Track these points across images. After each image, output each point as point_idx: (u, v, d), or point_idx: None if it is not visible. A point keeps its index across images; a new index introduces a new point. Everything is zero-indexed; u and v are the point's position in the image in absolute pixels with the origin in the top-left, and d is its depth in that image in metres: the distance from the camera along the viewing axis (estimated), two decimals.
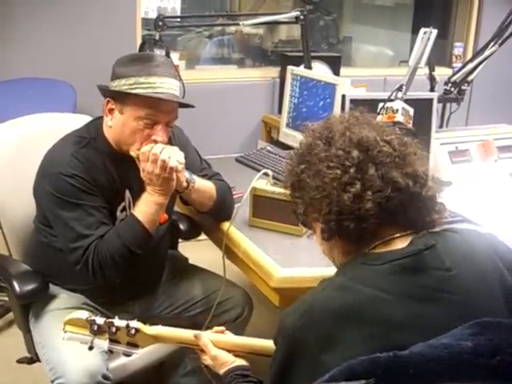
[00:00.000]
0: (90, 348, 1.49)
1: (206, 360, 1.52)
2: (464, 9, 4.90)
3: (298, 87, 2.96)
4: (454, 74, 2.99)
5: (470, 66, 2.91)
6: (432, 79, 3.03)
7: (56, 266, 2.00)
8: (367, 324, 1.10)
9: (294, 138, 2.80)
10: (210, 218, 2.16)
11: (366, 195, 1.18)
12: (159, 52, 3.08)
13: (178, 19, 4.10)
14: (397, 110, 2.13)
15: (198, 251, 2.56)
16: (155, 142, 1.86)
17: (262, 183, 2.03)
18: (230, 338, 1.55)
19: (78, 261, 1.85)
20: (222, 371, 1.47)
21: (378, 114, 2.12)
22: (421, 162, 1.28)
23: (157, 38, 3.16)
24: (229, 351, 1.50)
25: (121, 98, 1.88)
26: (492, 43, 2.82)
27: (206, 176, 2.11)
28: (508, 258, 1.22)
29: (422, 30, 2.42)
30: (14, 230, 2.14)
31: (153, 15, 3.90)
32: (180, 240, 2.47)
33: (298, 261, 1.88)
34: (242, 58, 4.98)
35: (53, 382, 1.85)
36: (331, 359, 1.08)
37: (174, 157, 1.84)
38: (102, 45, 3.56)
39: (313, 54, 3.78)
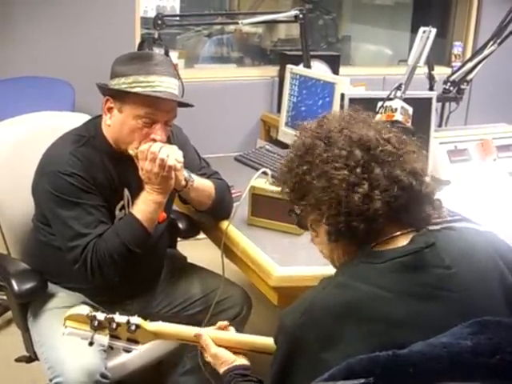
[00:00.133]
0: (91, 344, 1.48)
1: (207, 358, 1.52)
2: (463, 8, 4.91)
3: (297, 86, 2.96)
4: (453, 73, 2.99)
5: (469, 65, 2.91)
6: (431, 78, 3.03)
7: (54, 265, 2.00)
8: (367, 322, 1.10)
9: (292, 136, 2.79)
10: (208, 217, 2.16)
11: (375, 195, 1.18)
12: (158, 51, 3.08)
13: (177, 18, 4.08)
14: (396, 109, 2.13)
15: (197, 250, 2.56)
16: (154, 140, 1.86)
17: (261, 182, 2.03)
18: (231, 335, 1.55)
19: (76, 259, 1.85)
20: (221, 370, 1.47)
21: (377, 112, 2.12)
22: (419, 159, 1.28)
23: (156, 36, 3.16)
24: (230, 348, 1.50)
25: (120, 97, 1.88)
26: (491, 42, 2.81)
27: (204, 175, 2.11)
28: (508, 256, 1.22)
29: (421, 29, 2.42)
30: (13, 228, 2.14)
31: (152, 14, 3.89)
32: (179, 239, 2.47)
33: (297, 259, 1.87)
34: (241, 57, 4.98)
35: (51, 380, 1.85)
36: (332, 357, 1.08)
37: (173, 155, 1.84)
38: (101, 43, 3.56)
39: (312, 53, 3.78)
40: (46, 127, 2.25)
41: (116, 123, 1.90)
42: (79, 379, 1.79)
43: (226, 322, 1.58)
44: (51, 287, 2.03)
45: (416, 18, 5.39)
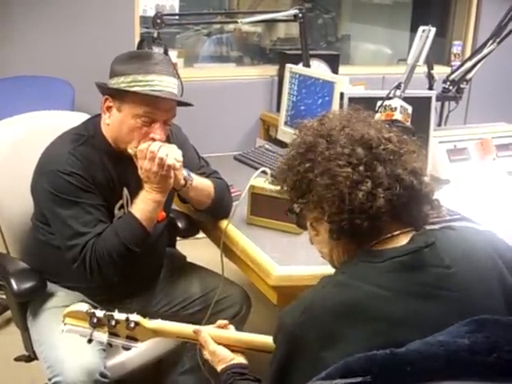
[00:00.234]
0: (90, 341, 1.49)
1: (206, 355, 1.52)
2: (463, 7, 4.91)
3: (297, 85, 2.96)
4: (452, 73, 2.99)
5: (469, 64, 2.90)
6: (430, 77, 3.03)
7: (54, 264, 2.00)
8: (367, 321, 1.10)
9: (292, 136, 2.80)
10: (208, 216, 2.16)
11: (378, 193, 1.18)
12: (157, 50, 3.07)
13: (177, 17, 4.08)
14: (395, 108, 2.12)
15: (196, 249, 2.56)
16: (153, 140, 1.85)
17: (260, 181, 2.03)
18: (230, 333, 1.55)
19: (75, 259, 1.85)
20: (219, 368, 1.47)
21: (377, 112, 2.12)
22: (419, 159, 1.29)
23: (155, 35, 3.15)
24: (229, 346, 1.50)
25: (119, 96, 1.88)
26: (490, 41, 2.81)
27: (204, 174, 2.11)
28: (507, 255, 1.22)
29: (421, 28, 2.42)
30: (12, 227, 2.14)
31: (151, 13, 3.88)
32: (178, 238, 2.47)
33: (296, 259, 1.87)
34: (241, 56, 4.98)
35: (50, 379, 1.85)
36: (331, 356, 1.08)
37: (172, 154, 1.84)
38: (100, 42, 3.56)
39: (311, 52, 3.77)
40: (45, 126, 2.25)
41: (115, 122, 1.90)
42: (78, 378, 1.79)
43: (225, 321, 1.58)
44: (50, 286, 2.03)
45: (415, 17, 5.39)
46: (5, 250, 2.16)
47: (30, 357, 2.09)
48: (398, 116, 2.12)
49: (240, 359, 1.48)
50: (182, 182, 1.94)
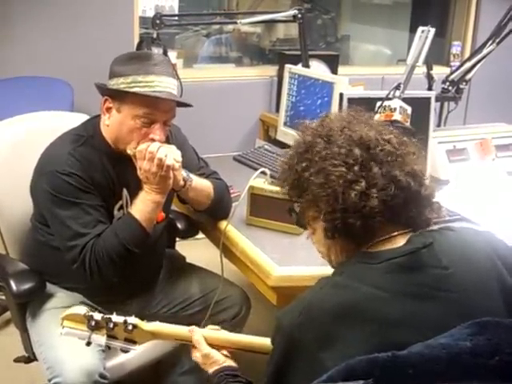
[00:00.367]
0: (88, 343, 1.49)
1: (196, 357, 1.52)
2: (462, 7, 4.91)
3: (296, 86, 2.96)
4: (451, 73, 2.99)
5: (468, 64, 2.90)
6: (430, 78, 3.02)
7: (53, 265, 2.00)
8: (365, 322, 1.10)
9: (291, 136, 2.77)
10: (207, 217, 2.16)
11: (372, 193, 1.19)
12: (157, 50, 3.07)
13: (176, 18, 4.08)
14: (395, 109, 2.13)
15: (196, 250, 2.56)
16: (153, 140, 1.85)
17: (260, 182, 2.03)
18: (225, 335, 1.56)
19: (74, 259, 1.84)
20: (211, 370, 1.48)
21: (376, 112, 2.12)
22: (419, 161, 1.29)
23: (154, 36, 3.16)
24: (224, 349, 1.51)
25: (118, 97, 1.88)
26: (490, 42, 2.81)
27: (203, 175, 2.10)
28: (507, 256, 1.22)
29: (420, 28, 2.42)
30: (11, 228, 2.14)
31: (150, 14, 3.89)
32: (177, 239, 2.47)
33: (296, 259, 1.87)
34: (240, 57, 4.97)
35: (50, 380, 1.85)
36: (329, 357, 1.08)
37: (171, 155, 1.84)
38: (99, 43, 3.56)
39: (311, 53, 3.78)
40: (45, 127, 2.25)
41: (115, 123, 1.90)
42: (78, 379, 1.79)
43: (217, 326, 1.58)
44: (50, 287, 2.03)
45: (415, 18, 5.39)
46: (4, 250, 2.16)
47: (30, 358, 2.09)
48: (397, 116, 2.12)
49: (231, 362, 1.49)
50: (182, 182, 1.94)
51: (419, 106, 2.31)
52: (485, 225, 2.01)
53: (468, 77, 2.94)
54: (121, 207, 1.99)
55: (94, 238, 1.84)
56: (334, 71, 3.85)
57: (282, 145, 2.92)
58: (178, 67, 3.85)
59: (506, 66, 4.58)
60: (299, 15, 3.54)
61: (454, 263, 1.16)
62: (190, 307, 2.19)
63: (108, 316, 1.48)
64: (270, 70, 4.26)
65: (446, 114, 3.12)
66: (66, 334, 1.49)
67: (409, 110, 2.16)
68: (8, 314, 2.84)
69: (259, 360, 1.43)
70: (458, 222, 2.08)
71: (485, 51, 2.83)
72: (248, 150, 2.88)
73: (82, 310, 1.50)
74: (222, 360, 1.48)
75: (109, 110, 1.91)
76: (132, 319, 1.49)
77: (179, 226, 2.32)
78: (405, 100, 2.17)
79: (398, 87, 2.20)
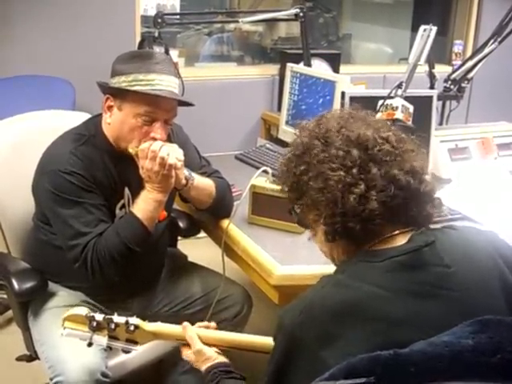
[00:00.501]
0: (89, 344, 1.49)
1: (188, 355, 1.53)
2: (464, 6, 4.90)
3: (298, 84, 2.96)
4: (453, 72, 2.99)
5: (470, 63, 2.90)
6: (432, 77, 3.03)
7: (55, 264, 2.00)
8: (366, 321, 1.10)
9: (293, 135, 2.80)
10: (209, 216, 2.16)
11: (371, 195, 1.18)
12: (158, 49, 3.07)
13: (177, 16, 4.07)
14: (396, 108, 2.12)
15: (198, 249, 2.56)
16: (154, 139, 1.85)
17: (262, 181, 2.03)
18: (219, 333, 1.56)
19: (76, 258, 1.85)
20: (204, 367, 1.48)
21: (378, 111, 2.12)
22: (418, 157, 1.28)
23: (156, 35, 3.15)
24: (218, 347, 1.51)
25: (120, 95, 1.88)
26: (492, 41, 2.81)
27: (205, 173, 2.10)
28: (509, 255, 1.22)
29: (422, 27, 2.42)
30: (13, 227, 2.14)
31: (152, 12, 3.89)
32: (179, 237, 2.47)
33: (298, 258, 1.87)
34: (242, 56, 4.98)
35: (52, 379, 1.85)
36: (330, 356, 1.08)
37: (173, 154, 1.84)
38: (101, 42, 3.56)
39: (312, 52, 3.77)
40: (46, 126, 2.25)
41: (116, 121, 1.90)
42: (80, 378, 1.79)
43: (206, 323, 1.60)
44: (52, 286, 2.03)
45: (416, 16, 5.39)
46: (6, 249, 2.16)
47: (32, 356, 2.09)
48: (399, 115, 2.12)
49: (223, 358, 1.49)
50: (184, 181, 1.94)
51: (421, 105, 2.31)
52: (486, 224, 2.00)
53: (470, 75, 2.94)
54: (123, 206, 1.99)
55: (95, 237, 1.84)
56: (336, 70, 3.85)
57: (284, 143, 2.91)
58: (180, 66, 3.86)
59: (508, 65, 4.58)
60: (301, 14, 3.54)
61: (456, 262, 1.16)
62: (191, 306, 2.19)
63: (109, 317, 1.47)
64: (272, 69, 4.25)
65: (448, 113, 3.12)
66: (67, 335, 1.49)
67: (411, 108, 2.16)
68: (10, 313, 2.84)
69: (260, 359, 1.43)
70: (460, 221, 2.08)
71: (486, 50, 2.83)
72: (250, 148, 2.88)
73: (83, 310, 1.50)
74: (214, 357, 1.48)
75: (110, 108, 1.91)
76: (134, 320, 1.49)
77: (181, 224, 2.32)
78: (407, 99, 2.17)
79: (399, 86, 2.20)
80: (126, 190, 1.99)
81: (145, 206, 1.86)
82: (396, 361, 0.99)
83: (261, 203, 2.05)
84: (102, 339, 1.48)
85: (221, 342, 1.53)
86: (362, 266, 1.18)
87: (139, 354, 2.04)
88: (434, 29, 2.39)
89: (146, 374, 2.20)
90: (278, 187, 1.37)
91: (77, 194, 1.85)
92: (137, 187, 1.91)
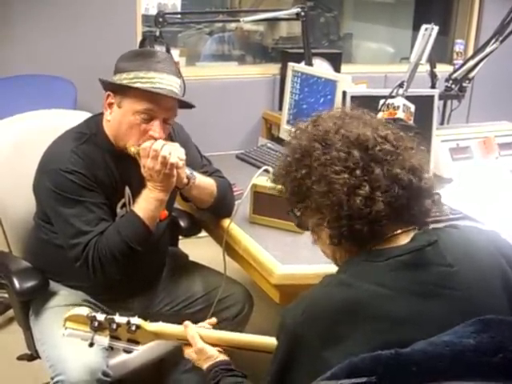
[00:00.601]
0: (91, 344, 1.48)
1: (189, 354, 1.53)
2: (465, 5, 4.90)
3: (299, 84, 2.95)
4: (455, 71, 2.98)
5: (471, 63, 2.90)
6: (433, 76, 3.02)
7: (56, 263, 2.00)
8: (369, 320, 1.09)
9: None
10: (210, 215, 2.16)
11: (376, 196, 1.17)
12: (159, 48, 3.07)
13: (179, 16, 4.07)
14: (398, 107, 2.13)
15: (199, 248, 2.55)
16: (152, 137, 1.85)
17: (263, 180, 2.02)
18: (221, 333, 1.56)
19: (77, 257, 1.84)
20: (205, 365, 1.48)
21: (379, 110, 2.12)
22: (416, 154, 1.27)
23: (157, 34, 3.15)
24: (219, 346, 1.51)
25: (120, 92, 1.88)
26: (493, 40, 2.81)
27: (206, 173, 2.10)
28: (511, 255, 1.22)
29: (423, 26, 2.42)
30: (14, 226, 2.14)
31: (153, 12, 3.89)
32: (180, 237, 2.47)
33: (299, 258, 1.87)
34: (243, 55, 4.98)
35: (53, 378, 1.85)
36: (332, 355, 1.08)
37: (175, 153, 1.84)
38: (102, 41, 3.56)
39: (313, 51, 3.77)
40: (47, 125, 2.25)
41: (115, 118, 1.90)
42: (81, 377, 1.79)
43: (203, 323, 1.60)
44: (53, 285, 2.03)
45: (418, 16, 5.39)
46: (7, 248, 2.16)
47: (33, 355, 2.09)
48: (400, 114, 2.12)
49: (224, 357, 1.49)
50: (185, 180, 1.94)
51: (422, 104, 2.31)
52: (488, 223, 2.00)
53: (471, 75, 2.94)
54: (124, 205, 1.99)
55: (96, 236, 1.84)
56: (337, 69, 3.85)
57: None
58: (181, 65, 3.86)
59: (510, 64, 4.57)
60: (302, 13, 3.54)
61: (459, 261, 1.16)
62: (192, 305, 2.19)
63: (111, 317, 1.47)
64: (273, 68, 4.25)
65: (449, 112, 3.12)
66: (68, 336, 1.48)
67: (412, 108, 2.16)
68: (11, 312, 2.84)
69: (261, 357, 1.43)
70: (462, 221, 2.08)
71: (488, 49, 2.82)
72: (251, 148, 2.88)
73: (84, 310, 1.49)
74: (216, 355, 1.49)
75: (110, 105, 1.91)
76: (135, 320, 1.49)
77: (182, 224, 2.32)
78: (408, 98, 2.17)
79: (401, 85, 2.20)
80: (127, 189, 1.99)
81: (146, 204, 1.86)
82: (397, 360, 0.99)
83: (262, 202, 2.05)
84: (103, 339, 1.48)
85: (222, 341, 1.53)
86: (365, 265, 1.18)
87: (140, 354, 2.04)
88: (436, 28, 2.39)
89: (148, 373, 2.21)
90: (279, 186, 1.36)
91: (78, 192, 1.85)
92: (138, 186, 1.91)
